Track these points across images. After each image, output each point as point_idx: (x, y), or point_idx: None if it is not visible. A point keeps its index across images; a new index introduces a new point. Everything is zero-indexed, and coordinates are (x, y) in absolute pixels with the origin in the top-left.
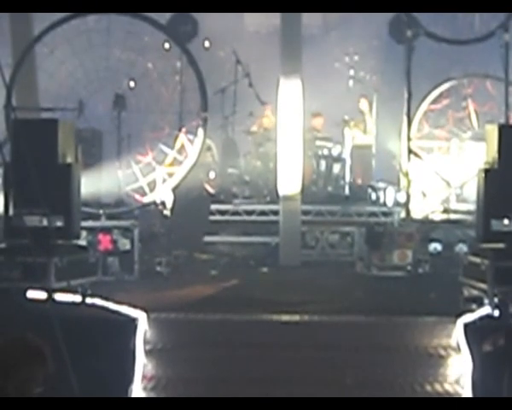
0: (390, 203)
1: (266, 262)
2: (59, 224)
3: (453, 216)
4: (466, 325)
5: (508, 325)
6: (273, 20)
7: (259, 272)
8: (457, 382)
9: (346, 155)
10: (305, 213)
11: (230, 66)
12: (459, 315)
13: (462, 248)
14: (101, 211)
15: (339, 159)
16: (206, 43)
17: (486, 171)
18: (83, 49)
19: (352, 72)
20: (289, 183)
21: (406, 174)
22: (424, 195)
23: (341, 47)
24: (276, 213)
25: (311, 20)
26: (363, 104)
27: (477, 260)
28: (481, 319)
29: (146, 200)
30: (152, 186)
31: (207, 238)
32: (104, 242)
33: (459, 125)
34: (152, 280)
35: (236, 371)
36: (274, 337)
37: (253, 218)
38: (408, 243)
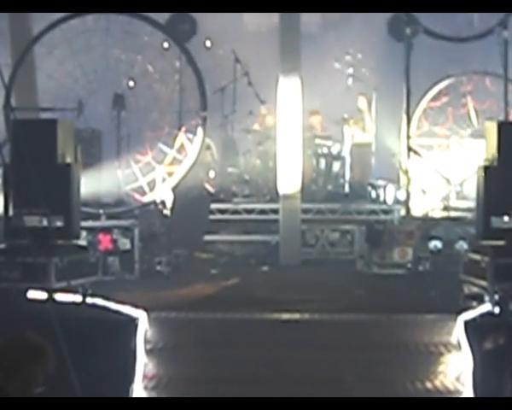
0: (390, 201)
1: (266, 261)
2: (59, 224)
3: (453, 213)
4: (466, 323)
5: (508, 323)
6: (272, 18)
7: (260, 270)
8: (458, 379)
9: (346, 154)
10: (305, 211)
11: (230, 65)
12: (459, 313)
13: (462, 245)
14: (101, 211)
15: (338, 157)
16: (208, 43)
17: (486, 168)
18: (82, 49)
19: (351, 70)
20: (289, 181)
21: (406, 172)
22: (424, 192)
23: (341, 45)
24: (275, 211)
25: (310, 19)
26: (362, 102)
27: (477, 257)
28: (482, 316)
29: (146, 199)
30: (152, 186)
31: (207, 237)
32: (104, 241)
33: (459, 122)
34: (152, 280)
35: (237, 370)
36: (274, 336)
37: (253, 217)
38: (408, 241)
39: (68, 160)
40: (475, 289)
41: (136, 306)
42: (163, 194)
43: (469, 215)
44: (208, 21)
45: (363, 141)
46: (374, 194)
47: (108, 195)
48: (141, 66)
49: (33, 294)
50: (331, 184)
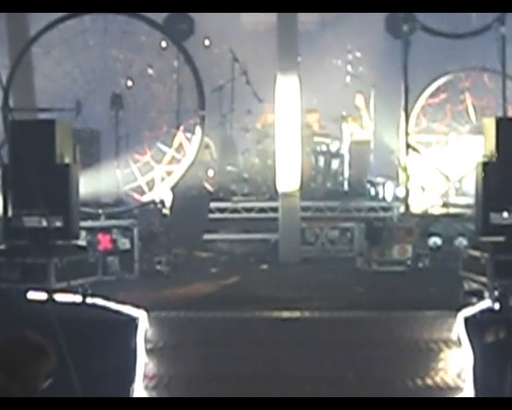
0: (389, 198)
1: (266, 259)
2: (58, 224)
3: (452, 210)
4: (466, 319)
5: (508, 318)
6: (270, 17)
7: (259, 269)
8: (459, 376)
9: (345, 151)
10: (305, 209)
11: (228, 63)
12: (459, 309)
13: (461, 241)
14: (100, 211)
15: (337, 155)
16: (206, 42)
17: (485, 164)
18: (79, 49)
19: (349, 67)
20: (288, 179)
21: (405, 169)
22: (423, 189)
23: (338, 43)
24: (275, 209)
25: (307, 17)
26: (359, 100)
27: (477, 253)
28: (482, 312)
29: (145, 199)
30: (151, 185)
31: (207, 236)
32: (104, 241)
33: (457, 118)
34: (152, 279)
35: (237, 368)
36: (274, 334)
37: (253, 215)
38: (408, 238)
39: (67, 160)
40: (475, 286)
41: (137, 305)
42: (162, 193)
43: (469, 212)
44: (206, 21)
45: (362, 138)
46: (373, 191)
47: (107, 195)
48: (139, 65)
49: (33, 294)
50: (330, 181)
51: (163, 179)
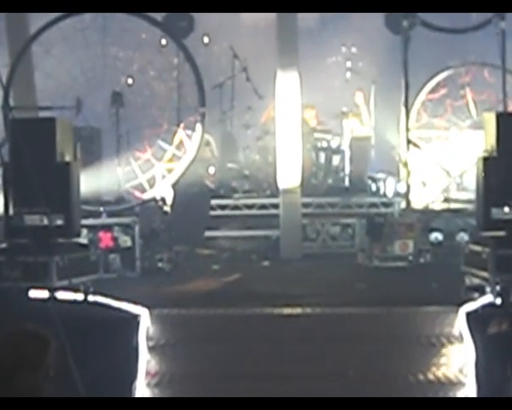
0: (390, 194)
1: (267, 256)
2: (59, 222)
3: (453, 205)
4: (468, 314)
5: (510, 313)
6: (270, 13)
7: (261, 265)
8: (461, 371)
9: (346, 147)
10: (306, 205)
11: (228, 60)
12: (461, 304)
13: (463, 237)
14: (101, 208)
15: (338, 151)
16: (205, 39)
17: (485, 159)
18: (79, 47)
19: (349, 63)
20: (289, 176)
21: (406, 164)
22: (424, 184)
23: (338, 39)
24: (276, 206)
25: (307, 14)
26: (359, 97)
27: (478, 248)
28: (483, 307)
29: (146, 196)
30: (151, 183)
31: (208, 233)
32: (105, 239)
33: (457, 114)
34: (154, 277)
35: (239, 365)
36: (276, 331)
37: (254, 212)
38: (409, 234)
39: (67, 158)
40: (477, 281)
41: (138, 303)
42: (163, 191)
43: (470, 207)
44: (205, 17)
45: (363, 134)
46: (374, 187)
47: (108, 192)
48: (139, 63)
49: (35, 293)
50: (331, 177)
51: (164, 177)
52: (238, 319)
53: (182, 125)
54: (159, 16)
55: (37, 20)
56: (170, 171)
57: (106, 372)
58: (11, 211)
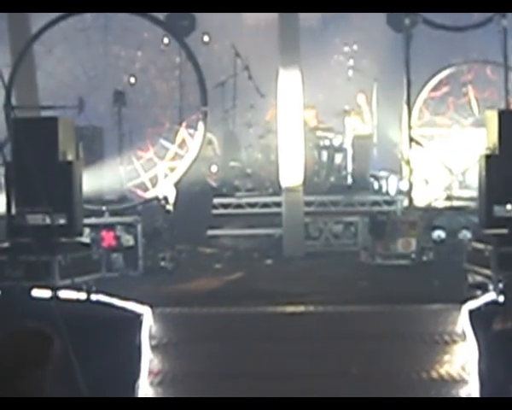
0: (393, 192)
1: (270, 254)
2: (61, 221)
3: (456, 203)
4: (471, 312)
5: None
6: (271, 13)
7: (263, 264)
8: (464, 368)
9: (348, 145)
10: (308, 204)
11: (230, 59)
12: (464, 302)
13: (465, 234)
14: (103, 208)
15: (340, 149)
16: (207, 38)
17: (487, 157)
18: (81, 46)
19: (351, 62)
20: (291, 174)
21: (408, 162)
22: (427, 182)
23: (340, 37)
24: (278, 204)
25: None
26: (361, 98)
27: (481, 246)
28: (486, 304)
29: (148, 195)
30: (154, 182)
31: (211, 232)
32: (107, 238)
33: (460, 111)
34: (156, 275)
35: (242, 363)
36: (279, 329)
37: (256, 210)
38: (411, 231)
39: (70, 157)
40: (479, 278)
41: (141, 302)
42: (165, 190)
43: (472, 204)
44: (207, 16)
45: (364, 133)
46: (376, 185)
47: (111, 191)
48: (141, 62)
49: (37, 292)
50: (333, 176)
51: (166, 176)
52: (241, 318)
53: (184, 123)
54: (160, 15)
55: (39, 19)
56: (172, 170)
57: (108, 371)
58: (13, 210)
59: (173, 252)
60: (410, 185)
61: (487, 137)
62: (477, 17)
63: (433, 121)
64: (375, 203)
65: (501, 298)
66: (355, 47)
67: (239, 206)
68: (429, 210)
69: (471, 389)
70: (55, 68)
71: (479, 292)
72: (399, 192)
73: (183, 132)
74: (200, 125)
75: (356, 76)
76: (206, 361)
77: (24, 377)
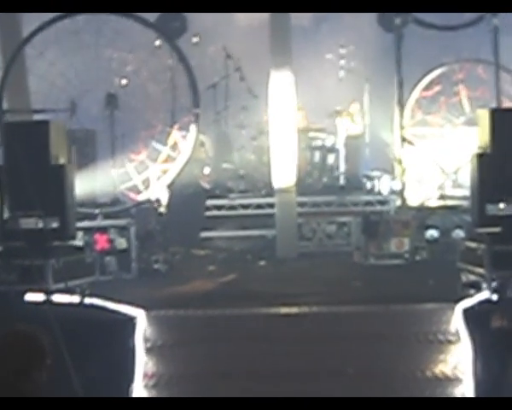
0: (385, 192)
1: (264, 255)
2: (54, 225)
3: (449, 202)
4: (465, 311)
5: (508, 308)
6: (264, 13)
7: (257, 265)
8: (458, 367)
9: (340, 146)
10: (301, 204)
11: (222, 60)
12: (458, 301)
13: (458, 233)
14: (96, 211)
15: (333, 149)
16: (198, 40)
17: (480, 156)
18: (73, 49)
19: (343, 62)
20: (284, 175)
21: (400, 162)
22: (419, 182)
23: (332, 38)
24: (272, 206)
25: (300, 13)
26: (354, 108)
27: (474, 245)
28: (480, 303)
29: (141, 198)
30: (146, 184)
31: (204, 234)
32: (101, 241)
33: (452, 110)
34: (150, 278)
35: (237, 365)
36: (274, 330)
37: (249, 212)
38: (404, 231)
39: (62, 161)
40: (473, 277)
41: (135, 305)
42: (158, 192)
43: (465, 203)
44: (199, 18)
45: (356, 133)
46: (369, 185)
47: (104, 194)
48: (133, 65)
49: (31, 296)
50: (326, 176)
51: (159, 178)
52: (235, 320)
53: (176, 126)
54: (151, 17)
55: (31, 22)
56: (165, 172)
57: (103, 374)
58: (6, 214)
59: (167, 254)
60: (403, 185)
61: (479, 136)
62: (468, 16)
63: (425, 121)
64: (368, 203)
65: (494, 297)
66: (346, 47)
67: (232, 207)
68: (422, 209)
69: (466, 388)
70: (47, 71)
71: (472, 291)
72: (392, 192)
73: (175, 135)
74: (193, 127)
75: (347, 76)
76: (201, 363)
77: (17, 381)
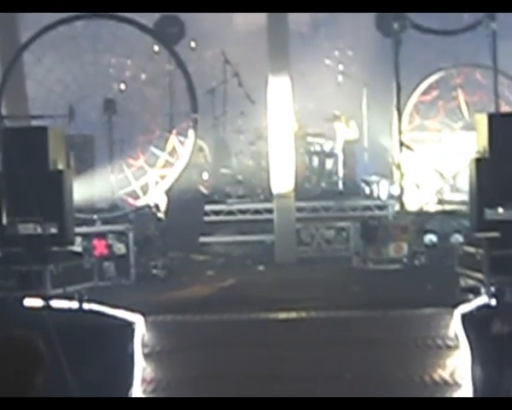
0: (384, 197)
1: (262, 261)
2: (53, 231)
3: (447, 207)
4: (463, 316)
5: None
6: (261, 18)
7: (256, 270)
8: (456, 372)
9: (338, 151)
10: (300, 209)
11: (220, 66)
12: (456, 306)
13: (457, 238)
14: (95, 216)
15: (331, 154)
16: (196, 45)
17: (478, 160)
18: (71, 55)
19: (341, 67)
20: (282, 180)
21: (399, 167)
22: (418, 187)
23: (330, 43)
24: (270, 211)
25: (298, 17)
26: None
27: (472, 249)
28: (479, 308)
29: (139, 203)
30: (145, 189)
31: (203, 239)
32: (99, 247)
33: (450, 115)
34: (148, 283)
35: (235, 370)
36: (272, 335)
37: (248, 217)
38: (403, 236)
39: (60, 166)
40: (471, 282)
41: (133, 310)
42: (156, 197)
43: (464, 208)
44: (197, 23)
45: (354, 137)
46: (367, 190)
47: (102, 200)
48: (131, 70)
49: (29, 301)
50: (324, 181)
51: (157, 183)
52: (233, 325)
53: (174, 131)
54: (149, 22)
55: (29, 28)
56: (163, 177)
57: (101, 380)
58: (4, 220)
59: (165, 260)
60: (402, 190)
61: (477, 141)
62: (466, 21)
63: (424, 125)
64: (367, 208)
65: (493, 301)
66: (344, 52)
67: (230, 213)
68: (421, 214)
69: (464, 392)
70: (45, 77)
71: (471, 296)
72: (391, 197)
73: (173, 140)
74: (191, 132)
75: (346, 81)
76: (199, 369)
77: (14, 386)
